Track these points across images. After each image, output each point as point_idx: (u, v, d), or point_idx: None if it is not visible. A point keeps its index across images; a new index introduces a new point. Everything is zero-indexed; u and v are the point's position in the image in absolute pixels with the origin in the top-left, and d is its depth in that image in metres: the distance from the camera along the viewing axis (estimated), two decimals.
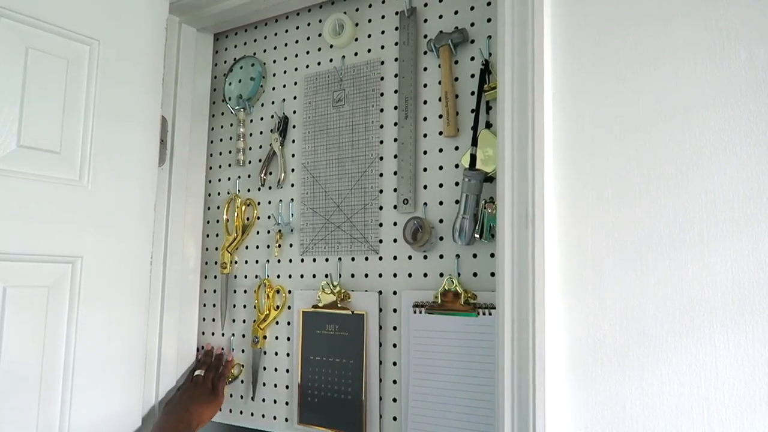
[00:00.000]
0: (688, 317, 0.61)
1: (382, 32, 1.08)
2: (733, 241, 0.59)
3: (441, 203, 0.97)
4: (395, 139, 1.04)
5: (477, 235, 0.89)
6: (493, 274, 0.90)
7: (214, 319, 1.25)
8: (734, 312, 0.59)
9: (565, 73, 0.70)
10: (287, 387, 1.12)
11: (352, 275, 1.06)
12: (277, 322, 1.15)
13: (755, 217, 0.59)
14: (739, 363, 0.58)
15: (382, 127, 1.06)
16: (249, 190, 1.23)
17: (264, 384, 1.15)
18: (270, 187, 1.20)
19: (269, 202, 1.20)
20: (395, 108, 1.04)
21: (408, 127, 1.01)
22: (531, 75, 0.71)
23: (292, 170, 1.17)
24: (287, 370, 1.13)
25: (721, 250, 0.60)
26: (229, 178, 1.27)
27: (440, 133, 0.99)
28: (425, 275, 0.98)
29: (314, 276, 1.11)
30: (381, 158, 1.05)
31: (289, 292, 1.14)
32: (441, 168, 0.98)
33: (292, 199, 1.16)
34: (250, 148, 1.24)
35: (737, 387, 0.58)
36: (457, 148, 0.96)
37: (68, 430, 0.93)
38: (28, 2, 0.92)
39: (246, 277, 1.21)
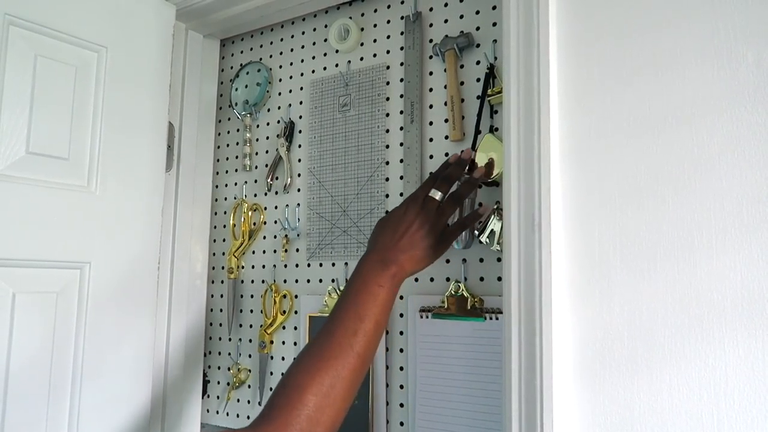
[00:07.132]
0: (697, 322, 0.60)
1: (388, 37, 1.08)
2: (742, 245, 0.59)
3: None
4: (401, 144, 1.04)
5: (481, 239, 0.89)
6: (499, 279, 0.90)
7: (221, 324, 1.25)
8: (744, 316, 0.58)
9: (570, 76, 0.70)
10: None
11: None
12: (283, 327, 1.15)
13: (765, 220, 0.58)
14: (750, 368, 0.57)
15: (387, 131, 1.06)
16: (255, 195, 1.24)
17: (271, 389, 1.15)
18: (276, 192, 1.20)
19: (276, 207, 1.20)
20: (401, 112, 1.04)
21: (414, 132, 1.01)
22: (536, 79, 0.70)
23: (299, 175, 1.17)
24: None
25: (730, 254, 0.59)
26: (235, 183, 1.27)
27: (446, 138, 0.98)
28: (431, 280, 0.97)
29: (321, 281, 1.11)
30: (387, 163, 1.05)
31: (296, 296, 1.14)
32: None
33: (299, 204, 1.16)
34: (257, 153, 1.24)
35: (747, 392, 0.57)
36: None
37: None
38: (37, 10, 0.93)
39: (253, 282, 1.21)
